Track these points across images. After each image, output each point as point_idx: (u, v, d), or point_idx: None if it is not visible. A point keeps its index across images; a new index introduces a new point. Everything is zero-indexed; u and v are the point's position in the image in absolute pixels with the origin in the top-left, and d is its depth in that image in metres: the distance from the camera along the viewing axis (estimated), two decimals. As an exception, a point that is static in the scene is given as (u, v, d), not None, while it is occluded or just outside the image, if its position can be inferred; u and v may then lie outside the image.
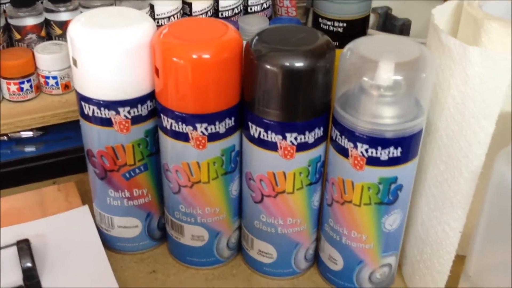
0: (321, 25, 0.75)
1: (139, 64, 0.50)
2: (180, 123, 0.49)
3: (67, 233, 0.57)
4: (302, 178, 0.51)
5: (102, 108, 0.50)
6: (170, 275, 0.57)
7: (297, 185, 0.51)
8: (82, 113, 0.52)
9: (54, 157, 0.70)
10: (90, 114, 0.51)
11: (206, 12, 0.72)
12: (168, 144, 0.52)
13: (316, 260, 0.58)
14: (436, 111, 0.49)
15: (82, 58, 0.49)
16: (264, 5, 0.75)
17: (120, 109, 0.50)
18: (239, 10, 0.74)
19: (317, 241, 0.57)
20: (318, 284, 0.57)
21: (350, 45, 0.48)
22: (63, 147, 0.70)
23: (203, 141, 0.50)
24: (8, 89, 0.64)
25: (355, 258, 0.53)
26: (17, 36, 0.66)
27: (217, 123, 0.49)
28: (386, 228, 0.51)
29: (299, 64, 0.46)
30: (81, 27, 0.49)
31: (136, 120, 0.51)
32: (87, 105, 0.51)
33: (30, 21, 0.65)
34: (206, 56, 0.47)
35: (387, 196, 0.49)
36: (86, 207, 0.60)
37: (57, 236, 0.57)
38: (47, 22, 0.67)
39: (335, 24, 0.75)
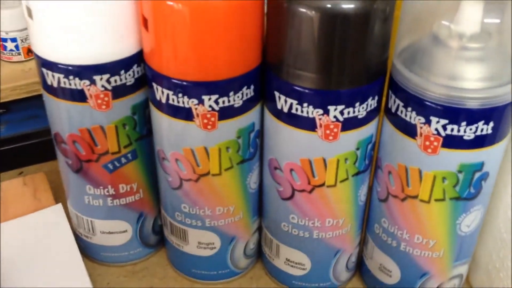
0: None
1: (120, 12, 0.36)
2: (180, 94, 0.36)
3: (36, 241, 0.44)
4: (348, 166, 0.37)
5: (70, 77, 0.36)
6: (171, 294, 0.44)
7: (340, 176, 0.38)
8: (45, 85, 0.38)
9: (18, 141, 0.56)
10: (55, 85, 0.37)
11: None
12: (163, 123, 0.38)
13: (358, 269, 0.45)
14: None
15: (40, 6, 0.35)
16: None
17: (96, 77, 0.37)
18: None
19: (361, 245, 0.44)
20: (364, 300, 0.44)
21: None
22: (29, 129, 0.56)
23: (213, 118, 0.36)
24: (-46, 56, 0.50)
25: (417, 270, 0.40)
26: (-37, -12, 0.51)
27: (231, 94, 0.36)
28: (461, 230, 0.38)
29: (347, 5, 0.32)
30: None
31: (118, 92, 0.38)
32: (50, 72, 0.37)
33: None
34: (215, -2, 0.33)
35: (468, 188, 0.36)
36: (60, 206, 0.47)
37: (21, 245, 0.44)
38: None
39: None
